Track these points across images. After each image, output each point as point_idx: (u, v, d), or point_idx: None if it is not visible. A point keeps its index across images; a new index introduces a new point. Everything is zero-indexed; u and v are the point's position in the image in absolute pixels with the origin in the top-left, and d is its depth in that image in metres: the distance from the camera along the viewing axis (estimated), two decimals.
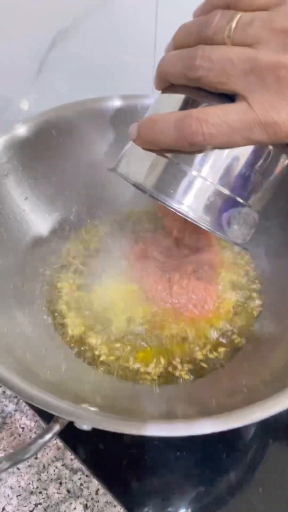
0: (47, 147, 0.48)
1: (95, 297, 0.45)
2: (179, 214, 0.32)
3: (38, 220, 0.49)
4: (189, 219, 0.32)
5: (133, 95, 0.51)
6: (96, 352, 0.42)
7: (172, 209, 0.32)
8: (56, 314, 0.45)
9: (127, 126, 0.50)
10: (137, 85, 0.63)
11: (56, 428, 0.27)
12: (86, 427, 0.27)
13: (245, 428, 0.43)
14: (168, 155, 0.32)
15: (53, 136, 0.48)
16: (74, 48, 0.52)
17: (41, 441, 0.26)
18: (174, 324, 0.43)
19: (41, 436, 0.27)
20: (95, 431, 0.28)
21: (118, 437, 0.42)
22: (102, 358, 0.41)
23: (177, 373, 0.40)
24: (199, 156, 0.31)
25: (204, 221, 0.32)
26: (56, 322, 0.44)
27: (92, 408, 0.28)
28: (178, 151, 0.31)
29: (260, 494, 0.39)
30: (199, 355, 0.42)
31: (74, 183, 0.51)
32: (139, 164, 0.34)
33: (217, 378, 0.40)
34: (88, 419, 0.27)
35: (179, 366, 0.41)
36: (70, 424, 0.28)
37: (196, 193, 0.32)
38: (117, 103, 0.50)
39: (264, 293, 0.46)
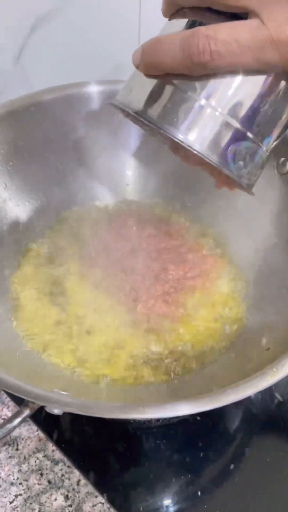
0: (25, 133, 0.47)
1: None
2: (184, 145, 0.30)
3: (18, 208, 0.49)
4: (194, 152, 0.30)
5: (112, 80, 0.50)
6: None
7: (176, 140, 0.30)
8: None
9: (107, 112, 0.51)
10: (120, 71, 0.62)
11: (26, 412, 0.27)
12: (57, 411, 0.27)
13: (228, 416, 0.43)
14: (174, 81, 0.30)
15: (32, 122, 0.47)
16: (53, 35, 0.52)
17: (9, 425, 0.26)
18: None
19: (10, 420, 0.26)
20: (76, 422, 0.28)
21: (99, 428, 0.42)
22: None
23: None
24: (208, 84, 0.29)
25: (210, 155, 0.30)
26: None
27: (63, 392, 0.27)
28: (184, 76, 0.29)
29: (244, 482, 0.39)
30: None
31: (54, 169, 0.50)
32: (142, 93, 0.31)
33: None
34: (57, 402, 0.26)
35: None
36: (50, 415, 0.28)
37: (203, 124, 0.30)
38: (96, 88, 0.50)
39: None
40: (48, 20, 0.51)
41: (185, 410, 0.26)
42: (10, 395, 0.44)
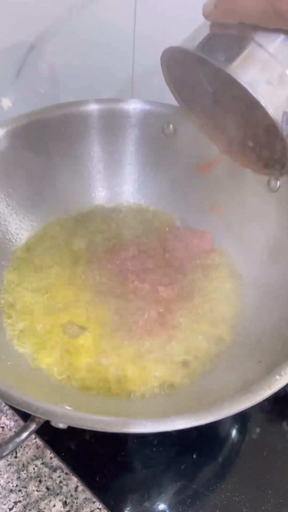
0: (24, 151, 0.48)
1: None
2: (247, 91, 0.29)
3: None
4: (258, 101, 0.30)
5: (110, 99, 0.52)
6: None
7: (243, 85, 0.29)
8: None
9: (105, 130, 0.52)
10: (116, 88, 0.63)
11: (33, 426, 0.28)
12: (62, 425, 0.28)
13: (221, 424, 0.44)
14: (246, 31, 0.29)
15: (30, 140, 0.49)
16: (52, 52, 0.53)
17: (17, 439, 0.27)
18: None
19: (17, 434, 0.27)
20: (74, 430, 0.29)
21: (96, 435, 0.42)
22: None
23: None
24: (280, 38, 0.29)
25: (269, 105, 0.30)
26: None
27: (67, 407, 0.28)
28: (258, 27, 0.28)
29: (236, 487, 0.40)
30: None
31: (53, 187, 0.52)
32: (206, 37, 0.31)
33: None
34: (63, 417, 0.27)
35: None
36: (49, 423, 0.29)
37: (268, 78, 0.30)
38: (94, 106, 0.51)
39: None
40: (46, 39, 0.52)
41: (183, 424, 0.28)
42: (8, 404, 0.45)
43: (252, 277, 0.48)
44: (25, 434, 0.28)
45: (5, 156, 0.47)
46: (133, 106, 0.52)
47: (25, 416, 0.43)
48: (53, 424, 0.28)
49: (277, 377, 0.31)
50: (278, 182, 0.46)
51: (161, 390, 0.40)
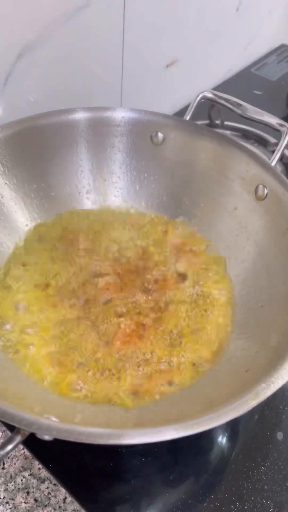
0: (14, 160, 0.49)
1: None
2: None
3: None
4: None
5: (98, 107, 0.52)
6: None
7: None
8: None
9: (94, 138, 0.52)
10: (105, 96, 0.64)
11: (18, 439, 0.28)
12: (47, 437, 0.28)
13: (210, 433, 0.44)
14: None
15: (17, 149, 0.49)
16: (41, 60, 0.53)
17: (2, 452, 0.27)
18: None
19: (2, 447, 0.27)
20: (62, 440, 0.29)
21: (85, 446, 0.42)
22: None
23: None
24: None
25: None
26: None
27: (53, 419, 0.28)
28: None
29: (226, 497, 0.40)
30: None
31: (41, 195, 0.52)
32: None
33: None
34: (48, 429, 0.27)
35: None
36: (34, 435, 0.29)
37: None
38: (83, 114, 0.51)
39: None
40: (35, 47, 0.51)
41: (171, 435, 0.28)
42: None
43: (239, 285, 0.48)
44: (10, 447, 0.27)
45: None
46: (122, 114, 0.52)
47: (12, 427, 0.43)
48: (38, 436, 0.28)
49: (263, 385, 0.31)
50: (266, 190, 0.46)
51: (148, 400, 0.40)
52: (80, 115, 0.51)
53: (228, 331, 0.44)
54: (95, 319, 0.45)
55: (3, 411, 0.28)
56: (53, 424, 0.28)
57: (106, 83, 0.63)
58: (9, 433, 0.44)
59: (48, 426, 0.27)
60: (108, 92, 0.65)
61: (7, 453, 0.27)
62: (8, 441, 0.27)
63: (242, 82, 0.89)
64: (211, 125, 0.66)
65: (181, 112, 0.78)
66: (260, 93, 0.86)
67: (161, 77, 0.72)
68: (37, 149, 0.50)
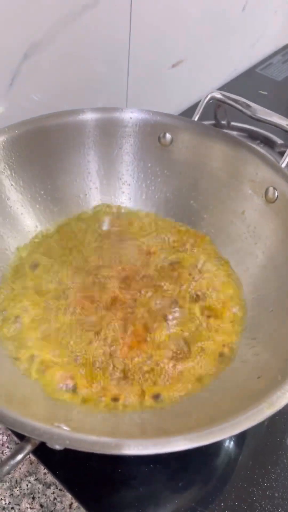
0: (21, 161, 0.48)
1: None
2: None
3: None
4: None
5: (106, 107, 0.51)
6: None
7: None
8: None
9: (101, 139, 0.52)
10: (111, 97, 0.63)
11: (28, 448, 0.27)
12: (58, 447, 0.27)
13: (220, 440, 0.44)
14: None
15: (25, 150, 0.48)
16: (47, 60, 0.52)
17: (12, 462, 0.26)
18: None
19: (12, 457, 0.26)
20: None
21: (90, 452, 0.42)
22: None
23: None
24: None
25: None
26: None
27: (65, 428, 0.28)
28: None
29: (235, 504, 0.40)
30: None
31: (48, 196, 0.51)
32: None
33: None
34: (60, 439, 0.27)
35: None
36: (42, 442, 0.28)
37: None
38: (90, 115, 0.50)
39: None
40: (41, 47, 0.51)
41: (182, 445, 0.27)
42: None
43: (248, 289, 0.48)
44: (20, 456, 0.27)
45: (0, 166, 0.47)
46: (130, 115, 0.51)
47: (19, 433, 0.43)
48: (49, 445, 0.27)
49: (278, 393, 0.31)
50: (276, 192, 0.46)
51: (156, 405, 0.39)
52: (88, 116, 0.50)
53: (238, 336, 0.44)
54: (101, 324, 0.44)
55: (13, 420, 0.27)
56: (65, 433, 0.27)
57: (111, 83, 0.63)
58: (14, 437, 0.43)
59: (60, 436, 0.27)
60: (114, 92, 0.64)
61: (18, 462, 0.27)
62: (18, 450, 0.27)
63: (247, 82, 0.88)
64: (217, 125, 0.66)
65: (187, 112, 0.77)
66: (266, 93, 0.85)
67: (166, 77, 0.72)
68: (43, 150, 0.49)
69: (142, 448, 0.26)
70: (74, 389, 0.40)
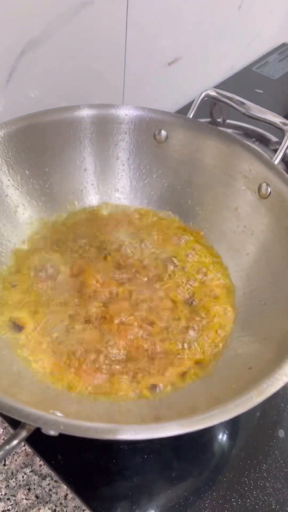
0: (18, 157, 0.48)
1: None
2: None
3: None
4: None
5: (102, 104, 0.52)
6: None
7: None
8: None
9: (97, 135, 0.52)
10: (107, 94, 0.64)
11: (23, 434, 0.28)
12: (53, 432, 0.28)
13: (212, 430, 0.44)
14: None
15: (21, 145, 0.48)
16: (44, 57, 0.53)
17: (7, 447, 0.27)
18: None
19: (7, 442, 0.27)
20: (64, 437, 0.29)
21: (86, 442, 0.42)
22: None
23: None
24: None
25: None
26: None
27: (58, 414, 0.28)
28: None
29: (228, 494, 0.40)
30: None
31: (44, 192, 0.52)
32: None
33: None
34: (55, 424, 0.27)
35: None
36: (38, 430, 0.29)
37: None
38: (87, 111, 0.51)
39: None
40: (38, 44, 0.51)
41: (175, 430, 0.28)
42: None
43: (242, 282, 0.48)
44: (15, 442, 0.27)
45: None
46: (125, 112, 0.52)
47: (14, 423, 0.43)
48: (43, 431, 0.28)
49: (268, 382, 0.31)
50: (269, 188, 0.46)
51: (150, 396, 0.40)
52: (84, 112, 0.51)
53: (230, 328, 0.44)
54: (96, 319, 0.45)
55: (9, 407, 0.28)
56: (60, 419, 0.28)
57: (108, 80, 0.63)
58: (11, 429, 0.44)
59: (55, 421, 0.27)
60: (110, 89, 0.65)
61: (13, 448, 0.27)
62: (13, 436, 0.27)
63: (243, 80, 0.89)
64: (213, 123, 0.66)
65: (183, 110, 0.78)
66: (262, 91, 0.86)
67: (163, 74, 0.72)
68: (40, 146, 0.50)
69: (135, 433, 0.27)
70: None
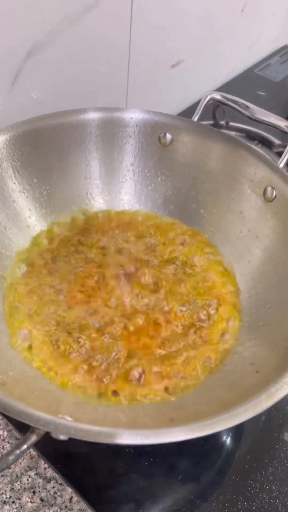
0: (23, 160, 0.49)
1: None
2: None
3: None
4: None
5: (108, 107, 0.52)
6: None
7: None
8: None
9: (102, 138, 0.52)
10: (112, 97, 0.64)
11: (33, 438, 0.28)
12: (63, 437, 0.28)
13: (217, 434, 0.44)
14: None
15: (27, 149, 0.49)
16: (49, 60, 0.53)
17: (18, 452, 0.27)
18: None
19: (17, 447, 0.27)
20: (69, 440, 0.29)
21: (92, 445, 0.42)
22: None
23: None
24: None
25: None
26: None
27: (68, 418, 0.28)
28: None
29: (234, 497, 0.40)
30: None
31: (50, 195, 0.52)
32: None
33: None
34: (65, 429, 0.27)
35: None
36: (46, 434, 0.29)
37: None
38: (93, 115, 0.51)
39: None
40: (43, 47, 0.52)
41: (185, 435, 0.28)
42: (1, 413, 0.44)
43: (247, 286, 0.48)
44: (25, 446, 0.27)
45: (3, 165, 0.47)
46: (130, 115, 0.52)
47: (20, 427, 0.43)
48: (53, 435, 0.28)
49: (277, 386, 0.32)
50: (274, 191, 0.47)
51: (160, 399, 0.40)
52: (90, 116, 0.51)
53: (237, 331, 0.44)
54: (103, 323, 0.45)
55: (19, 411, 0.28)
56: (70, 423, 0.28)
57: (112, 83, 0.64)
58: (15, 432, 0.44)
59: (65, 426, 0.27)
60: (114, 92, 0.65)
61: (23, 452, 0.27)
62: (23, 441, 0.27)
63: (245, 82, 0.89)
64: (216, 125, 0.66)
65: (186, 112, 0.78)
66: (264, 93, 0.86)
67: (166, 77, 0.73)
68: (46, 149, 0.50)
69: (144, 438, 0.27)
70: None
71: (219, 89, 0.84)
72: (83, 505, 0.40)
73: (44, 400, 0.35)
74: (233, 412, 0.29)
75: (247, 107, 0.52)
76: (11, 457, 0.26)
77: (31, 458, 0.42)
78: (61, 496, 0.41)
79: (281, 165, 0.48)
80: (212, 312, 0.46)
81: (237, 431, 0.45)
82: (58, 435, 0.28)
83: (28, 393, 0.34)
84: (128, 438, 0.27)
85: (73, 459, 0.42)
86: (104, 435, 0.27)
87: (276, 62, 0.95)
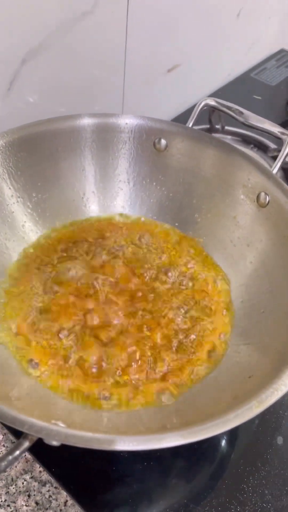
0: (18, 166, 0.49)
1: None
2: None
3: None
4: None
5: (103, 113, 0.52)
6: None
7: None
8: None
9: (97, 144, 0.52)
10: (108, 102, 0.64)
11: (25, 444, 0.28)
12: (55, 443, 0.28)
13: (212, 438, 0.44)
14: None
15: (22, 154, 0.49)
16: (44, 66, 0.53)
17: (10, 457, 0.27)
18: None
19: (10, 452, 0.27)
20: (64, 444, 0.29)
21: (86, 449, 0.42)
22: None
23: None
24: None
25: None
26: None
27: (61, 424, 0.28)
28: None
29: (227, 501, 0.41)
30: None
31: (44, 201, 0.52)
32: None
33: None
34: (58, 435, 0.28)
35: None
36: (39, 439, 0.29)
37: None
38: (88, 121, 0.51)
39: None
40: (39, 53, 0.52)
41: (176, 441, 0.28)
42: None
43: (240, 291, 0.49)
44: (17, 452, 0.27)
45: None
46: (125, 121, 0.52)
47: (15, 431, 0.43)
48: (46, 441, 0.28)
49: (268, 392, 0.32)
50: (268, 197, 0.47)
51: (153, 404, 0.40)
52: (84, 121, 0.51)
53: (228, 337, 0.45)
54: (96, 328, 0.45)
55: (12, 417, 0.28)
56: (62, 430, 0.28)
57: (108, 88, 0.64)
58: (11, 436, 0.44)
59: (57, 432, 0.28)
60: (110, 97, 0.65)
61: (16, 458, 0.27)
62: (16, 446, 0.28)
63: (241, 86, 0.89)
64: (212, 130, 0.67)
65: (182, 116, 0.78)
66: (260, 98, 0.86)
67: (162, 81, 0.73)
68: (41, 155, 0.50)
69: (136, 444, 0.27)
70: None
71: (215, 93, 0.85)
72: (77, 508, 0.40)
73: (37, 406, 0.35)
74: (224, 418, 0.30)
75: (241, 113, 0.52)
76: (3, 463, 0.27)
77: (26, 462, 0.43)
78: (56, 500, 0.41)
79: (275, 171, 0.49)
80: (204, 317, 0.46)
81: (231, 436, 0.45)
82: (50, 441, 0.28)
83: (22, 399, 0.35)
84: (120, 444, 0.27)
85: (68, 463, 0.42)
86: (96, 441, 0.27)
87: (272, 66, 0.96)
